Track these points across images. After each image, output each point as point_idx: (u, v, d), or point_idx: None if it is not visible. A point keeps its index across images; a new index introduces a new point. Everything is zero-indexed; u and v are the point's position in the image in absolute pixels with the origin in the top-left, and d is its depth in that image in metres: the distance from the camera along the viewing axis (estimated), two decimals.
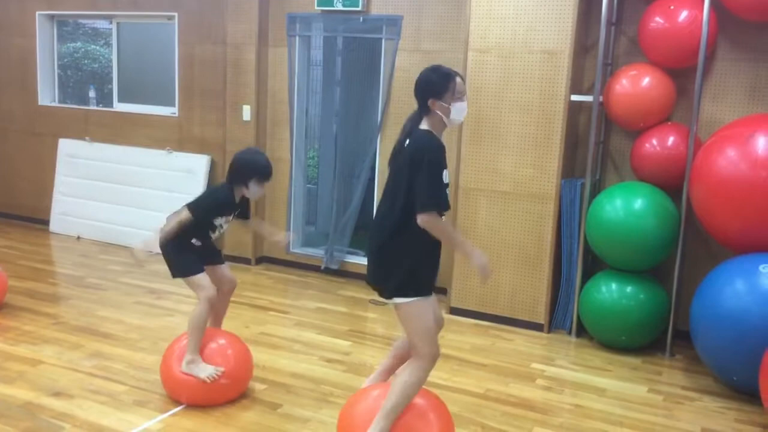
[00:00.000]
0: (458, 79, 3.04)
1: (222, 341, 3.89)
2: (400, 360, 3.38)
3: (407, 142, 3.02)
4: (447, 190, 2.95)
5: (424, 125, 3.03)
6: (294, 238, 4.02)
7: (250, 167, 3.75)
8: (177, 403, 3.78)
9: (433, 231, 2.91)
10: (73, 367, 4.20)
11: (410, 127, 3.05)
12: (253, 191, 3.78)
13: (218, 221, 3.83)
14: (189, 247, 3.82)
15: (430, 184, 2.87)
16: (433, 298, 3.11)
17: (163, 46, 7.05)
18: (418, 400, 3.12)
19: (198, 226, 3.77)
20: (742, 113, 4.74)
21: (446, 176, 2.94)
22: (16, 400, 3.74)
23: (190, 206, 3.74)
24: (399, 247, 3.00)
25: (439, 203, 2.91)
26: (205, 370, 3.69)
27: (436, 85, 3.01)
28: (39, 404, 3.71)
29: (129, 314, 5.15)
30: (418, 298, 3.00)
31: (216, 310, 3.98)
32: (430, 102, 3.00)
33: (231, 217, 3.90)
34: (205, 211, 3.77)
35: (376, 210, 3.17)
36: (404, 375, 3.03)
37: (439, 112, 3.00)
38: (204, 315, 3.75)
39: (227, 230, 4.00)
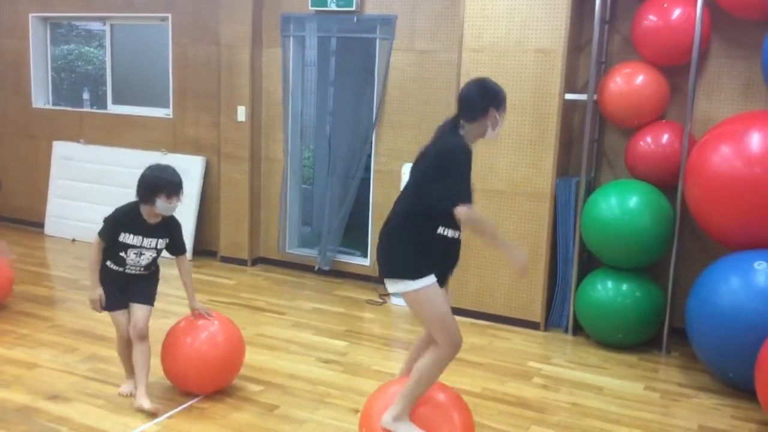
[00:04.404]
0: None
1: (214, 326, 3.92)
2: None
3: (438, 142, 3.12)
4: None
5: (461, 131, 3.12)
6: (207, 309, 3.94)
7: (155, 183, 3.66)
8: (174, 405, 3.78)
9: (470, 222, 3.05)
10: (70, 370, 4.19)
11: (448, 130, 3.13)
12: (162, 208, 3.69)
13: (126, 239, 3.69)
14: (109, 277, 3.77)
15: (459, 181, 3.02)
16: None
17: (157, 48, 7.03)
18: (440, 396, 3.19)
19: (110, 248, 3.72)
20: (735, 110, 4.75)
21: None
22: (12, 404, 3.73)
23: (97, 231, 3.74)
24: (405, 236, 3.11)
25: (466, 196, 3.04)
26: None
27: (500, 96, 3.14)
28: (36, 408, 3.70)
29: None
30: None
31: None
32: (491, 110, 3.09)
33: (146, 241, 3.73)
34: (107, 227, 3.71)
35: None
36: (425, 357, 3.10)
37: (489, 122, 3.11)
38: (119, 347, 3.89)
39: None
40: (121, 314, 3.80)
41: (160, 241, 3.79)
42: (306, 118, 6.61)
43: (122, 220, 3.70)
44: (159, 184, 3.65)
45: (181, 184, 3.74)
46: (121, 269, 3.76)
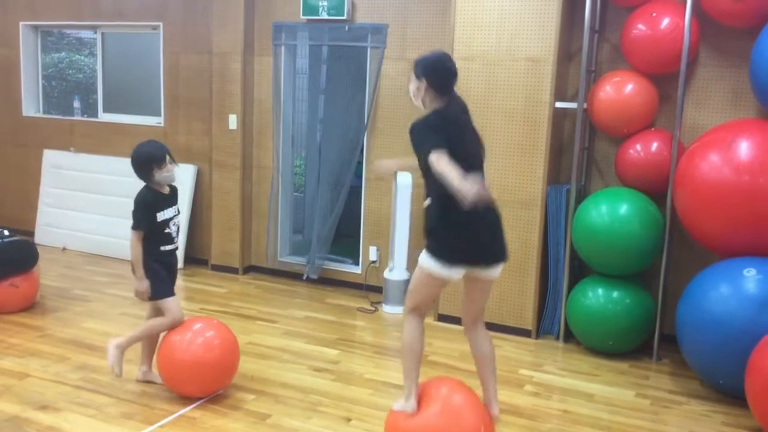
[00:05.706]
0: None
1: (210, 333, 3.95)
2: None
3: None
4: None
5: None
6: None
7: (143, 160, 3.85)
8: (165, 414, 3.77)
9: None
10: (60, 379, 4.17)
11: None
12: (161, 178, 3.87)
13: (163, 215, 3.90)
14: (162, 264, 3.93)
15: None
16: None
17: (148, 56, 7.03)
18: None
19: (155, 231, 3.88)
20: (724, 118, 4.79)
21: None
22: (2, 414, 3.71)
23: (131, 227, 3.87)
24: None
25: None
26: None
27: None
28: (26, 418, 3.68)
29: (115, 326, 5.12)
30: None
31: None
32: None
33: (173, 209, 3.97)
34: (141, 216, 3.85)
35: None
36: (490, 343, 3.52)
37: None
38: (163, 329, 3.97)
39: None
40: (175, 299, 3.97)
41: (176, 207, 4.03)
42: (297, 126, 6.62)
43: (152, 203, 3.88)
44: (147, 159, 3.85)
45: (165, 150, 3.89)
46: (172, 247, 3.98)
